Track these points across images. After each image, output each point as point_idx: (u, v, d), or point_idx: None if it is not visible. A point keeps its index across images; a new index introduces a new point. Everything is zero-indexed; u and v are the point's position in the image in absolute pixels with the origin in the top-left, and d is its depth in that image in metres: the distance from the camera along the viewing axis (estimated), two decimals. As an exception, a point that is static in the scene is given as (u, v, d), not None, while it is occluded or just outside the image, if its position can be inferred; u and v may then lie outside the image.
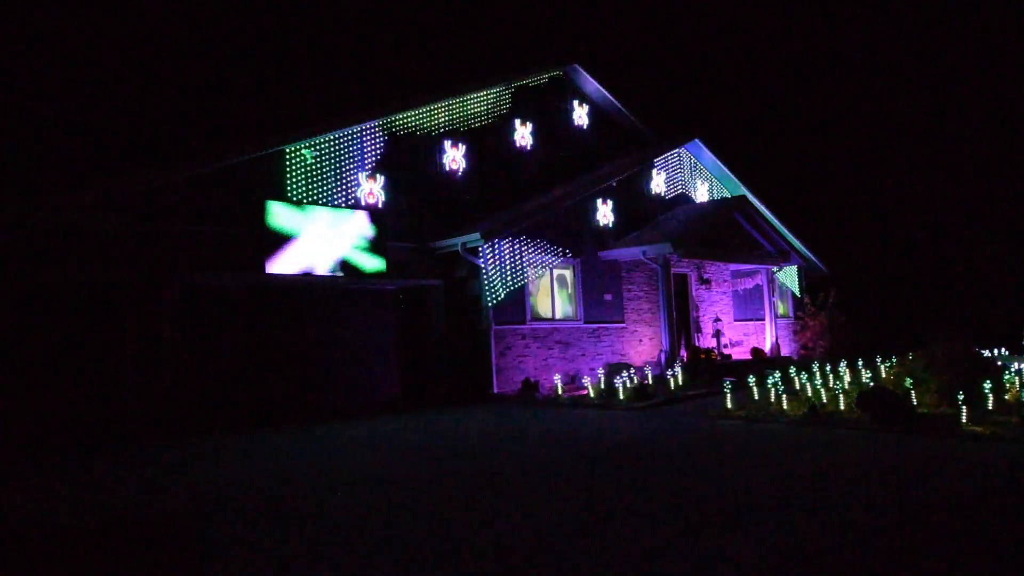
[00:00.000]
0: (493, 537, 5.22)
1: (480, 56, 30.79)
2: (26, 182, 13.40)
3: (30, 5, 19.30)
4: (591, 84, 19.42)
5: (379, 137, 14.74)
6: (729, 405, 11.66)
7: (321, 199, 13.62)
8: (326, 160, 13.82)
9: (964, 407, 9.47)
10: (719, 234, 18.38)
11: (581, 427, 10.65)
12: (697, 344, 19.08)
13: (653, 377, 15.42)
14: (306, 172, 13.49)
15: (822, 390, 12.50)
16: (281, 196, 13.00)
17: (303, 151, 13.44)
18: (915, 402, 10.60)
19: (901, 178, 33.92)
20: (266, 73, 24.21)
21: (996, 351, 20.94)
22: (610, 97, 19.87)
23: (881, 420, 9.64)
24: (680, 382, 14.98)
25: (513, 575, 4.49)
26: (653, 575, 4.42)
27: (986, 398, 10.12)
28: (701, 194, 21.84)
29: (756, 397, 12.41)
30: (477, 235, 14.41)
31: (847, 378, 14.70)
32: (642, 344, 18.03)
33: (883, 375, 15.54)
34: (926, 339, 12.56)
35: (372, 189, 14.44)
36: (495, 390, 14.46)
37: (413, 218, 15.15)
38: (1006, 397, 10.79)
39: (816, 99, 39.02)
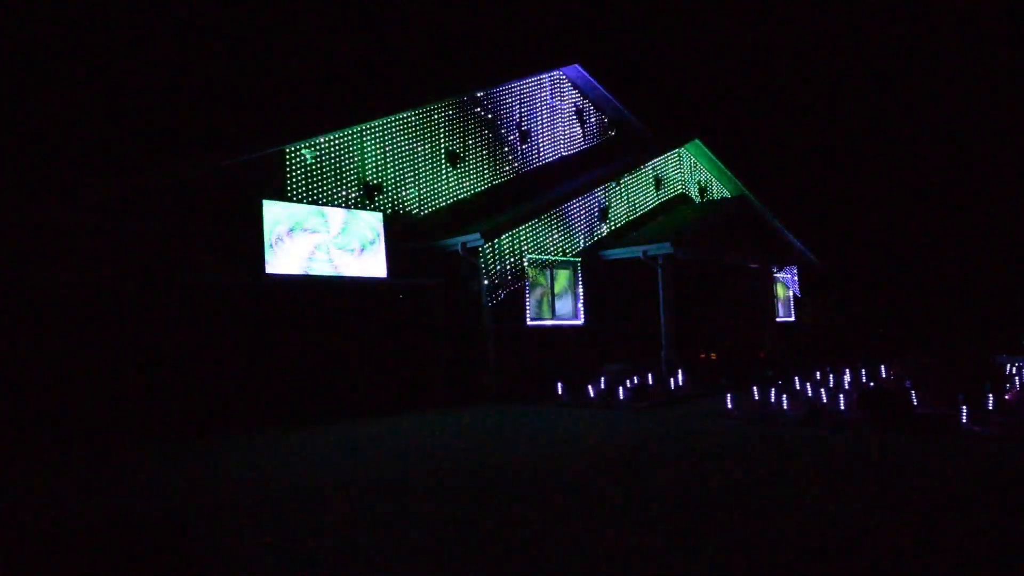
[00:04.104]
0: (492, 535, 5.22)
1: (481, 56, 30.78)
2: (26, 182, 13.39)
3: (29, 4, 19.30)
4: (591, 84, 19.43)
5: (378, 137, 14.74)
6: (729, 405, 11.66)
7: (321, 199, 13.61)
8: (326, 160, 13.82)
9: (964, 407, 9.48)
10: (719, 234, 18.38)
11: (582, 427, 10.65)
12: (697, 345, 19.07)
13: (653, 377, 15.42)
14: (306, 172, 13.49)
15: (822, 390, 12.51)
16: (281, 196, 12.99)
17: (303, 151, 13.43)
18: (915, 402, 10.60)
19: (901, 178, 33.93)
20: (266, 73, 24.21)
21: (996, 351, 20.94)
22: (610, 97, 19.88)
23: (881, 420, 9.64)
24: (680, 382, 14.99)
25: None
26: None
27: (986, 398, 10.13)
28: (701, 194, 21.85)
29: (756, 397, 12.42)
30: (477, 235, 14.41)
31: (847, 378, 14.72)
32: (642, 344, 18.01)
33: (883, 375, 15.56)
34: (927, 339, 12.58)
35: (372, 189, 14.44)
36: (495, 390, 14.45)
37: (414, 218, 15.15)
38: (1006, 397, 10.80)
39: (816, 99, 39.03)
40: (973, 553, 4.65)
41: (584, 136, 19.66)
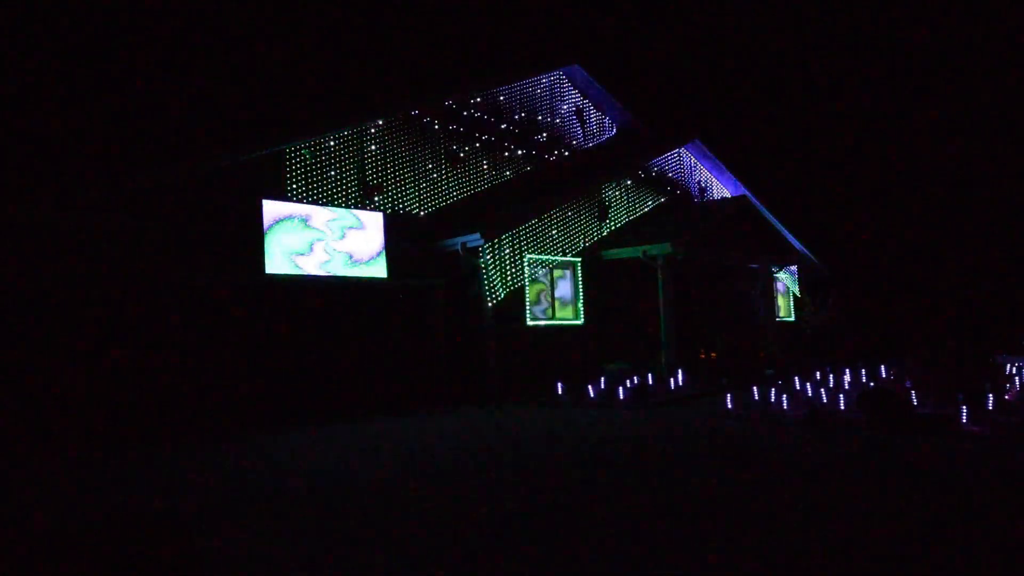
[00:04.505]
0: (494, 533, 5.22)
1: (481, 56, 30.78)
2: (25, 182, 13.38)
3: (29, 3, 19.29)
4: (591, 84, 19.42)
5: (379, 137, 14.74)
6: (729, 406, 11.66)
7: (321, 199, 13.61)
8: (326, 160, 13.81)
9: (964, 407, 9.47)
10: (719, 234, 18.38)
11: (582, 427, 10.65)
12: (697, 345, 19.07)
13: (653, 377, 15.42)
14: (306, 172, 13.49)
15: (822, 390, 12.51)
16: (281, 196, 12.99)
17: (303, 151, 13.43)
18: (915, 402, 10.60)
19: (901, 178, 33.93)
20: (266, 73, 24.20)
21: (996, 351, 20.92)
22: (610, 97, 19.87)
23: (881, 421, 9.64)
24: (680, 382, 14.99)
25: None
26: None
27: (986, 398, 10.13)
28: (701, 194, 21.85)
29: (756, 397, 12.42)
30: (478, 235, 14.41)
31: (847, 378, 14.72)
32: (642, 344, 18.02)
33: (883, 375, 15.56)
34: (926, 339, 12.58)
35: (372, 189, 14.43)
36: (495, 390, 14.44)
37: (414, 218, 15.15)
38: (1006, 397, 10.80)
39: (816, 99, 39.02)
40: (973, 553, 4.64)
41: (584, 136, 19.65)
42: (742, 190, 22.30)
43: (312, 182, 13.56)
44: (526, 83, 18.06)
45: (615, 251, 17.35)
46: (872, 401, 9.98)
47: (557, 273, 16.53)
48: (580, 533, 5.26)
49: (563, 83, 19.16)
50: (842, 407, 10.97)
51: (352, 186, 14.16)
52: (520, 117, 17.81)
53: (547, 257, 16.12)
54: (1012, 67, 35.05)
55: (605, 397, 13.57)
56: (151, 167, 11.96)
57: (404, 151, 15.15)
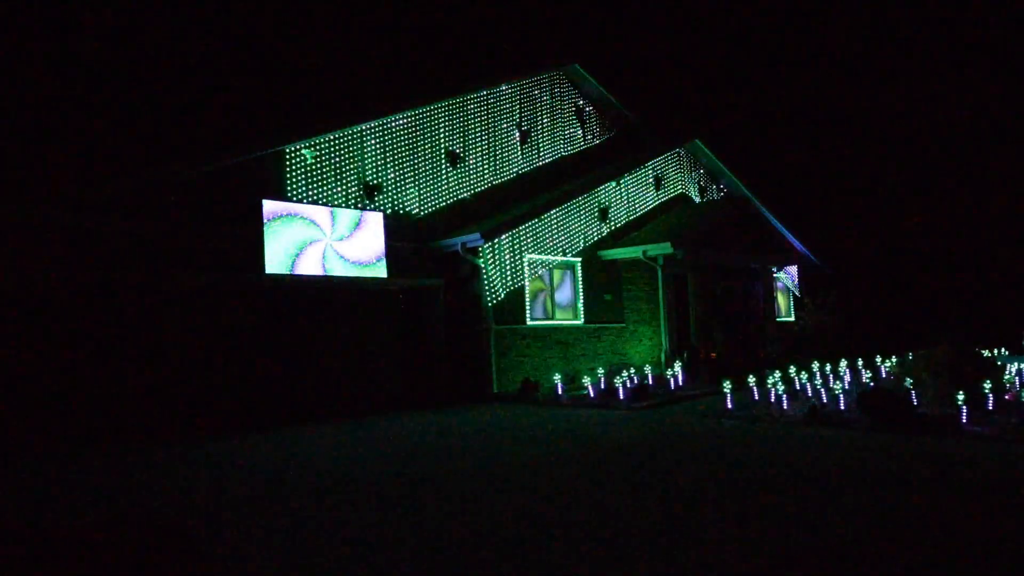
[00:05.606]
0: (491, 528, 5.22)
1: (480, 56, 30.77)
2: (26, 182, 13.38)
3: (30, 3, 19.30)
4: (591, 84, 19.42)
5: (378, 137, 14.74)
6: (729, 405, 11.66)
7: (321, 199, 13.61)
8: (326, 160, 13.82)
9: (964, 407, 9.48)
10: (719, 234, 18.38)
11: (582, 427, 10.65)
12: (697, 344, 19.06)
13: (653, 377, 15.42)
14: (306, 172, 13.49)
15: (822, 390, 12.51)
16: (281, 196, 12.99)
17: (303, 151, 13.43)
18: (915, 402, 10.60)
19: (901, 178, 33.94)
20: (266, 73, 24.21)
21: (996, 351, 20.95)
22: (610, 97, 19.87)
23: (881, 421, 9.64)
24: (680, 382, 14.99)
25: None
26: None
27: (986, 398, 10.13)
28: (701, 194, 21.85)
29: (756, 397, 12.42)
30: (477, 235, 14.41)
31: (847, 378, 14.72)
32: (642, 344, 18.03)
33: (883, 375, 15.56)
34: (926, 339, 12.57)
35: (372, 189, 14.44)
36: (495, 390, 14.45)
37: (414, 218, 15.15)
38: (1006, 397, 10.80)
39: (816, 99, 39.02)
40: (974, 554, 4.65)
41: (584, 136, 19.65)
42: (742, 190, 22.31)
43: (312, 182, 13.56)
44: (526, 83, 18.07)
45: (615, 251, 17.36)
46: (872, 401, 9.99)
47: (557, 273, 16.53)
48: (578, 533, 5.26)
49: (563, 83, 19.16)
50: (842, 407, 10.97)
51: (352, 186, 14.17)
52: (520, 116, 17.81)
53: (547, 257, 16.13)
54: (1012, 66, 35.05)
55: (605, 397, 13.57)
56: (151, 167, 11.97)
57: (404, 151, 15.15)
